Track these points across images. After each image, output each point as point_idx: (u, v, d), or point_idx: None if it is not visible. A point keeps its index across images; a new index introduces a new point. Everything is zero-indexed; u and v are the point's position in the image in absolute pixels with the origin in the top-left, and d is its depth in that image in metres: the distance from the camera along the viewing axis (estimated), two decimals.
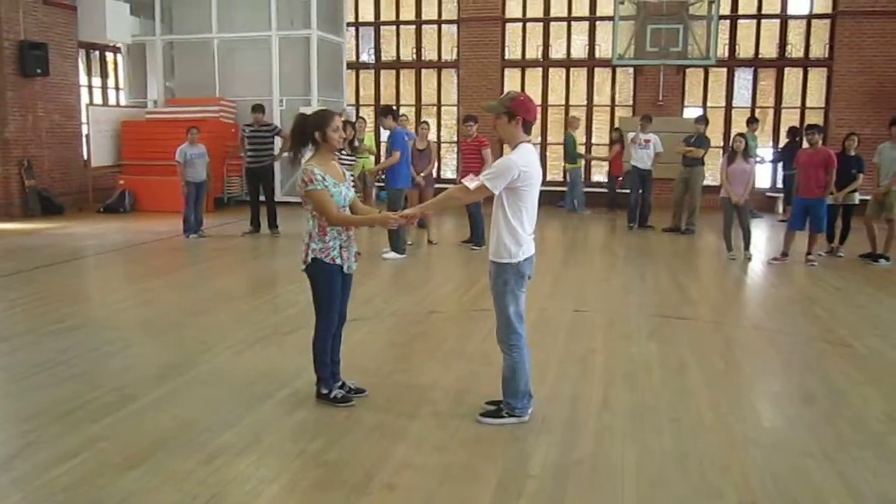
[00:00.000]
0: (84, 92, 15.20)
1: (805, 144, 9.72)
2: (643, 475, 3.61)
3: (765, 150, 14.78)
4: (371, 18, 17.25)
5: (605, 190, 14.82)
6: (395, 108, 10.04)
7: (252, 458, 3.72)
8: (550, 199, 15.60)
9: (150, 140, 14.06)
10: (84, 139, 14.66)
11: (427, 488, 3.46)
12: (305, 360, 5.29)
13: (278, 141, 11.52)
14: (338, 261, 4.27)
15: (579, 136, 15.33)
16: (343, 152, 9.16)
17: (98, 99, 15.80)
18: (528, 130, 4.06)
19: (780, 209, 14.43)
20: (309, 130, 4.26)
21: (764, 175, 14.94)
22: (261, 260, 9.66)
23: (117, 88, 16.36)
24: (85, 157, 14.67)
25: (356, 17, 17.17)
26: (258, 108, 11.24)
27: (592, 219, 13.69)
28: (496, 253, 4.07)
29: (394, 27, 17.14)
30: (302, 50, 14.92)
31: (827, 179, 9.13)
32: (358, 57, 17.47)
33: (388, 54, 17.31)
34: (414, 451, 3.82)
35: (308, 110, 14.50)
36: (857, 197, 9.88)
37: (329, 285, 4.31)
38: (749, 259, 9.54)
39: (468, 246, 10.08)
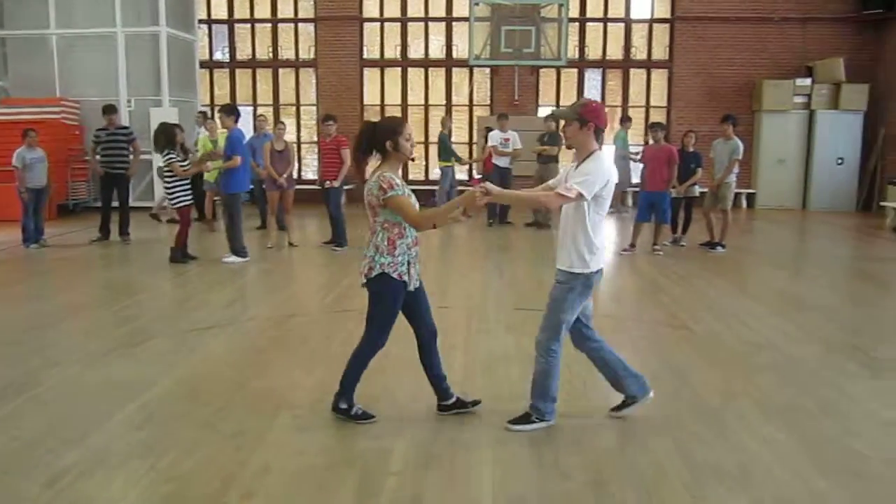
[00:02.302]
0: None
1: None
2: (499, 463, 3.72)
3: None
4: (224, 16, 16.74)
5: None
6: (238, 107, 9.64)
7: (99, 478, 3.54)
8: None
9: None
10: None
11: (287, 494, 3.42)
12: (155, 371, 5.11)
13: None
14: (405, 277, 4.04)
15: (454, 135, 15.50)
16: (174, 156, 8.85)
17: None
18: (599, 138, 3.97)
19: (630, 202, 15.22)
20: (380, 138, 3.99)
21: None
22: (110, 269, 9.16)
23: None
24: None
25: (208, 13, 16.64)
26: (110, 110, 10.64)
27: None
28: (570, 263, 4.00)
29: (249, 25, 16.72)
30: (151, 47, 14.28)
31: (670, 174, 9.75)
32: (212, 55, 16.92)
33: (243, 53, 16.87)
34: (273, 458, 3.77)
35: (160, 111, 13.86)
36: (697, 190, 10.60)
37: (393, 302, 4.08)
38: None
39: (330, 247, 10.00)
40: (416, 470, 3.66)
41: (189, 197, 9.05)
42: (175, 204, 8.98)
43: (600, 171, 3.89)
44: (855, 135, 15.35)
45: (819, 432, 4.17)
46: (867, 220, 14.12)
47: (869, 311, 7.28)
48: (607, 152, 3.99)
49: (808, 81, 15.29)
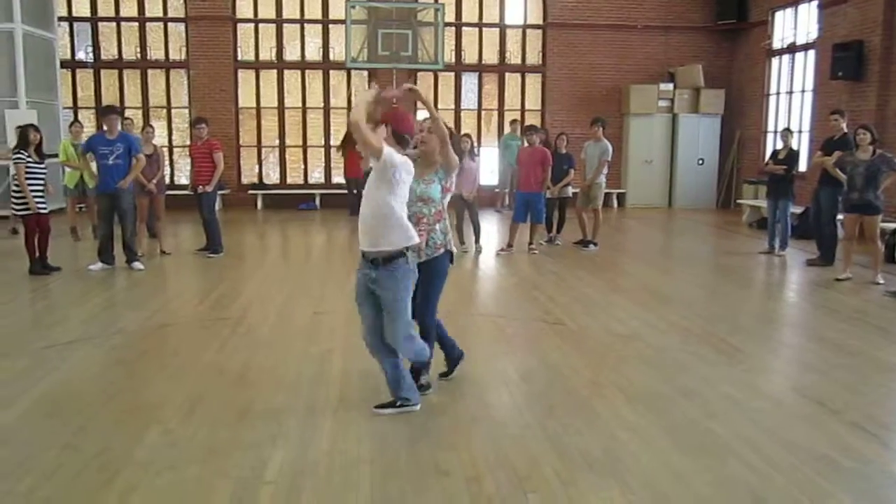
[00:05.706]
0: None
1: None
2: (377, 466, 3.72)
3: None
4: (87, 13, 15.89)
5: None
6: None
7: None
8: (294, 202, 15.63)
9: None
10: None
11: None
12: (9, 392, 4.82)
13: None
14: None
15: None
16: (23, 158, 8.28)
17: None
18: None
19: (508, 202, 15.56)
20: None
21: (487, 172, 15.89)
22: None
23: None
24: None
25: (69, 11, 15.74)
26: None
27: (337, 220, 13.82)
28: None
29: (114, 24, 15.95)
30: (5, 46, 13.39)
31: (544, 175, 10.05)
32: (74, 55, 16.03)
33: (108, 53, 16.07)
34: (141, 474, 3.61)
35: (16, 113, 13.02)
36: (570, 190, 10.98)
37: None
38: (479, 251, 10.21)
39: (205, 254, 9.69)
40: (294, 477, 3.60)
41: (43, 202, 8.46)
42: (19, 211, 8.40)
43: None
44: (713, 137, 16.33)
45: (680, 415, 4.41)
46: (726, 216, 15.05)
47: (725, 301, 7.76)
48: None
49: (670, 86, 16.13)
